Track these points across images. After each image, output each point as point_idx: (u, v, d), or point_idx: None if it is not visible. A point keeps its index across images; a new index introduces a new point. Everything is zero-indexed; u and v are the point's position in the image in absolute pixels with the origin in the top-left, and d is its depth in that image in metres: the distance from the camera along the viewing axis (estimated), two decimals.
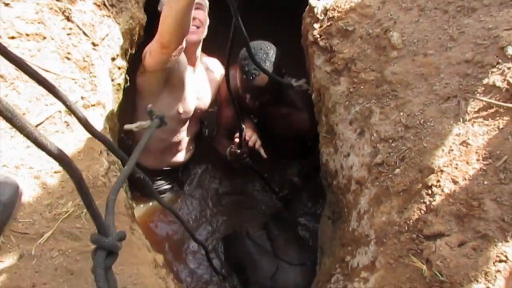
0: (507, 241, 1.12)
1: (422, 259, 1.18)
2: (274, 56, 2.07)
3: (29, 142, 1.56)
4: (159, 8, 2.18)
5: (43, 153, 1.49)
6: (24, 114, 1.58)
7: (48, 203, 1.36)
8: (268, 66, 2.01)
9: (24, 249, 1.22)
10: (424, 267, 1.14)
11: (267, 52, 2.05)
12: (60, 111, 1.65)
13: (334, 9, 1.85)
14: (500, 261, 1.09)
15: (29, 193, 1.36)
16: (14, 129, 1.55)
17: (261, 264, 2.20)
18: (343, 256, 1.59)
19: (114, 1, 2.11)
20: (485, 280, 1.06)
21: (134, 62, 2.31)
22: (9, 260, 1.21)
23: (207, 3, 2.22)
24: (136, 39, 2.35)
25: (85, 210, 1.36)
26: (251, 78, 2.02)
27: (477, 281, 1.07)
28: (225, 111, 2.47)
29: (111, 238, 0.81)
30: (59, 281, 1.21)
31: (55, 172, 1.46)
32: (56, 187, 1.41)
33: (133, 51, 2.35)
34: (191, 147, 2.59)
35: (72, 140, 1.58)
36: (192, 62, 2.27)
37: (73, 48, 1.84)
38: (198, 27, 2.13)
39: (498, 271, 1.07)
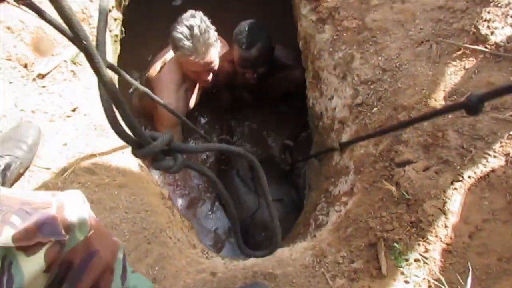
0: (464, 165, 1.31)
1: (393, 182, 1.38)
2: (264, 31, 2.21)
3: (41, 89, 1.70)
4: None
5: (55, 99, 1.65)
6: (32, 63, 1.71)
7: (65, 144, 1.52)
8: (261, 40, 2.18)
9: (49, 182, 1.40)
10: (394, 188, 1.35)
11: (259, 27, 2.21)
12: (65, 61, 1.78)
13: None
14: (457, 181, 1.29)
15: (47, 134, 1.52)
16: (26, 78, 1.69)
17: (244, 201, 2.32)
18: (327, 187, 1.80)
19: None
20: (444, 197, 1.27)
21: (129, 11, 2.42)
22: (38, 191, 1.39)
23: (219, 44, 2.26)
24: None
25: (99, 149, 1.54)
26: (245, 48, 2.16)
27: (437, 198, 1.27)
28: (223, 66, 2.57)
29: (159, 142, 0.80)
30: None
31: (68, 116, 1.62)
32: (70, 129, 1.57)
33: (127, 2, 2.42)
34: None
35: (79, 87, 1.72)
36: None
37: (72, 1, 1.93)
38: (211, 76, 2.30)
39: (455, 189, 1.28)
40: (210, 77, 2.29)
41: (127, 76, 1.41)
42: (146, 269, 1.31)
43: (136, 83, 1.51)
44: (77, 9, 1.91)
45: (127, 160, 1.59)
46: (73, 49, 1.80)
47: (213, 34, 2.13)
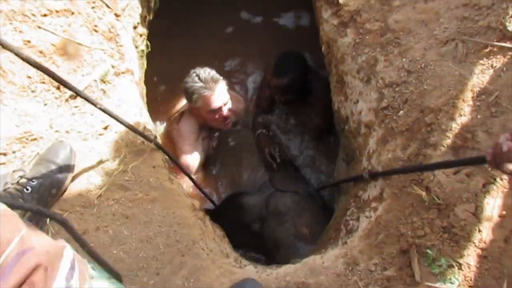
0: None
1: (422, 187, 1.36)
2: (299, 63, 2.50)
3: (74, 110, 1.77)
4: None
5: (88, 119, 1.71)
6: None
7: (98, 161, 1.58)
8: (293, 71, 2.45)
9: (86, 200, 1.46)
10: (424, 193, 1.33)
11: (295, 59, 2.52)
12: (95, 80, 1.84)
13: None
14: (490, 183, 1.26)
15: (81, 153, 1.59)
16: (60, 99, 1.77)
17: (253, 199, 2.32)
18: (356, 192, 1.79)
19: None
20: (476, 200, 1.25)
21: (152, 28, 2.49)
22: (75, 209, 1.46)
23: (228, 97, 2.52)
24: (153, 5, 2.49)
25: (131, 165, 1.59)
26: (278, 77, 2.46)
27: (469, 201, 1.25)
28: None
29: None
30: (117, 224, 1.45)
31: (100, 134, 1.68)
32: (102, 147, 1.63)
33: (151, 17, 2.49)
34: None
35: (109, 105, 1.78)
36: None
37: (99, 21, 1.99)
38: (228, 121, 2.55)
39: (487, 191, 1.25)
40: (226, 113, 2.50)
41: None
42: (181, 281, 1.35)
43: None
44: (105, 29, 1.98)
45: (158, 174, 1.64)
46: (101, 68, 1.87)
47: (222, 80, 2.46)
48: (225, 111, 2.49)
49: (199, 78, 2.39)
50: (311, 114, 2.63)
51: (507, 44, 1.44)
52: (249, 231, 2.27)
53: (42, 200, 1.43)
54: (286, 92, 2.52)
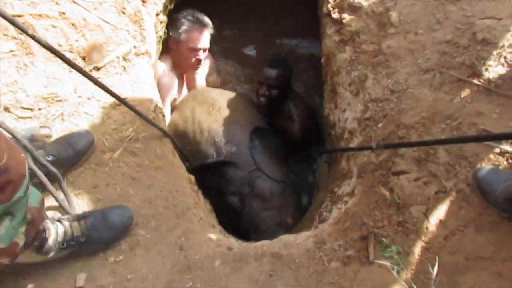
0: (449, 179, 1.55)
1: (387, 188, 1.62)
2: (287, 66, 2.80)
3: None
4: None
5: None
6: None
7: (114, 128, 1.81)
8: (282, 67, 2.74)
9: (101, 160, 1.69)
10: (387, 193, 1.59)
11: (285, 61, 2.83)
12: (118, 57, 2.06)
13: None
14: (441, 192, 1.53)
15: (99, 119, 1.81)
16: (85, 69, 1.98)
17: (235, 175, 2.36)
18: (333, 188, 2.05)
19: None
20: (428, 204, 1.51)
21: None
22: (90, 166, 1.68)
23: (208, 46, 2.71)
24: None
25: (142, 135, 1.82)
26: (268, 66, 2.72)
27: (422, 204, 1.52)
28: None
29: None
30: (124, 184, 1.68)
31: (117, 105, 1.90)
32: (119, 116, 1.85)
33: (172, 7, 2.71)
34: None
35: (128, 81, 2.00)
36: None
37: (127, 4, 2.21)
38: (198, 66, 2.75)
39: (438, 198, 1.52)
40: (201, 57, 2.66)
41: None
42: (174, 239, 1.58)
43: None
44: (131, 12, 2.19)
45: (163, 147, 1.87)
46: (124, 47, 2.09)
47: (211, 28, 2.66)
48: (201, 55, 2.66)
49: (193, 16, 2.59)
50: (288, 126, 2.83)
51: (475, 81, 1.71)
52: (225, 201, 2.37)
53: (48, 175, 1.55)
54: (272, 85, 2.71)
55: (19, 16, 1.87)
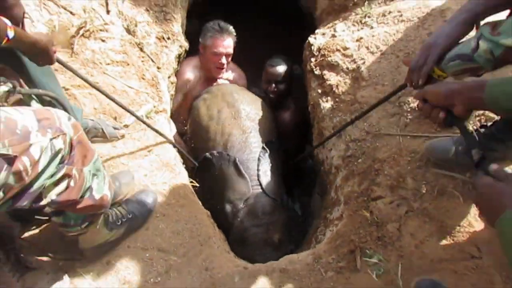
0: (415, 201, 1.97)
1: (368, 211, 2.03)
2: (288, 61, 3.25)
3: (126, 135, 2.41)
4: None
5: (136, 142, 2.34)
6: (120, 116, 2.42)
7: (144, 174, 2.21)
8: (285, 63, 3.21)
9: None
10: (368, 215, 2.00)
11: (285, 58, 3.26)
12: (142, 115, 2.49)
13: (325, 49, 2.70)
14: (410, 211, 1.94)
15: (130, 167, 2.21)
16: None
17: (238, 186, 2.53)
18: (325, 215, 2.45)
19: (169, 35, 2.95)
20: (400, 221, 1.92)
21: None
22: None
23: (232, 52, 3.16)
24: (180, 59, 3.20)
25: (170, 183, 2.22)
26: (272, 65, 3.18)
27: (396, 221, 1.93)
28: None
29: None
30: (157, 219, 2.06)
31: (145, 156, 2.31)
32: (147, 165, 2.26)
33: (178, 68, 3.19)
34: None
35: (151, 135, 2.43)
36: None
37: (146, 71, 2.68)
38: (222, 70, 3.18)
39: (408, 216, 1.93)
40: (223, 62, 3.07)
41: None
42: (200, 262, 1.96)
43: None
44: (149, 78, 2.65)
45: (185, 188, 2.27)
46: (146, 107, 2.53)
47: (234, 36, 3.11)
48: (224, 60, 3.07)
49: (219, 25, 3.04)
50: (287, 115, 3.27)
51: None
52: (221, 207, 2.55)
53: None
54: (279, 81, 3.14)
55: (66, 89, 2.31)
